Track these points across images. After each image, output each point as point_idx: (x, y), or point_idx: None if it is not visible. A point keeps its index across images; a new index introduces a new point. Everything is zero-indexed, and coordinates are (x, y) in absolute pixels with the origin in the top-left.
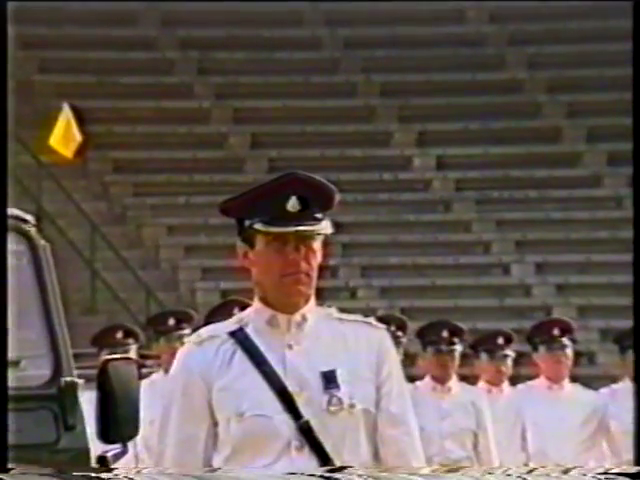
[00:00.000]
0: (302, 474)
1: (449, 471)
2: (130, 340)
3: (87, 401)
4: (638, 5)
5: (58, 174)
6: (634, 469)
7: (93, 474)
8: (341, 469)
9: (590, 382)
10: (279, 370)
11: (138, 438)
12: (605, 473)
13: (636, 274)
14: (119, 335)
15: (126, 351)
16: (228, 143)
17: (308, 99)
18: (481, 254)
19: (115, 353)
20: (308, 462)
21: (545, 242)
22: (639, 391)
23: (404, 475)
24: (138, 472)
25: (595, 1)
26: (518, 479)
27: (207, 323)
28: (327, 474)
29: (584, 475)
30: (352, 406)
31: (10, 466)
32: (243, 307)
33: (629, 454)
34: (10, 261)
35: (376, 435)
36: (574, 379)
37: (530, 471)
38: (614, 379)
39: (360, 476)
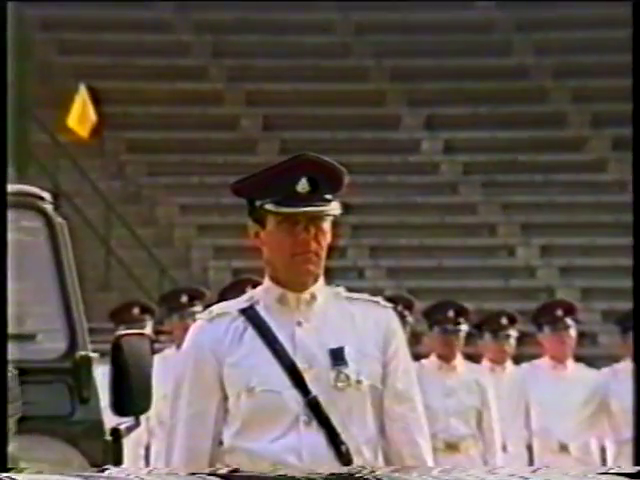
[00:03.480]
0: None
1: (448, 448)
2: (146, 316)
3: (101, 375)
4: (638, 5)
5: (75, 153)
6: (634, 469)
7: (96, 474)
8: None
9: (592, 362)
10: (288, 347)
11: (151, 412)
12: (605, 473)
13: (636, 257)
14: (136, 311)
15: (142, 327)
16: (241, 125)
17: (319, 82)
18: (487, 236)
19: (132, 329)
20: (316, 436)
21: (550, 225)
22: (639, 389)
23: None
24: (149, 472)
25: None
26: (520, 479)
27: (220, 301)
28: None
29: (584, 475)
30: (359, 382)
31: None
32: (255, 285)
33: (629, 432)
34: (27, 238)
35: (382, 411)
36: (577, 359)
37: (533, 471)
38: (616, 359)
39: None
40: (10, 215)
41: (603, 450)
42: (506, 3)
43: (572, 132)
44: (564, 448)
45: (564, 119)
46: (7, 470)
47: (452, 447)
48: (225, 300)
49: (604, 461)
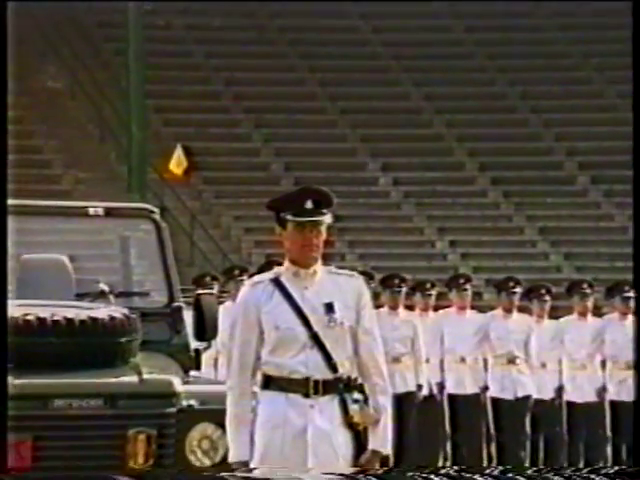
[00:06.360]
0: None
1: (394, 361)
2: (214, 282)
3: (188, 317)
4: (638, 4)
5: (173, 185)
6: (634, 469)
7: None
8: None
9: (480, 309)
10: (300, 302)
11: (217, 339)
12: (605, 473)
13: (636, 256)
14: (208, 279)
15: (212, 289)
16: (271, 168)
17: (318, 143)
18: (418, 235)
19: (205, 290)
20: (316, 356)
21: (455, 229)
22: (639, 388)
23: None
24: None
25: (591, 0)
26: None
27: (258, 273)
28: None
29: (582, 475)
30: (342, 324)
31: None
32: (280, 264)
33: (501, 349)
34: (145, 236)
35: (356, 340)
36: (472, 308)
37: (538, 470)
38: (493, 308)
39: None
40: (134, 222)
41: (485, 361)
42: (430, 96)
43: (468, 174)
44: (463, 360)
45: (463, 166)
46: (7, 471)
47: (396, 360)
48: (261, 273)
49: (485, 368)
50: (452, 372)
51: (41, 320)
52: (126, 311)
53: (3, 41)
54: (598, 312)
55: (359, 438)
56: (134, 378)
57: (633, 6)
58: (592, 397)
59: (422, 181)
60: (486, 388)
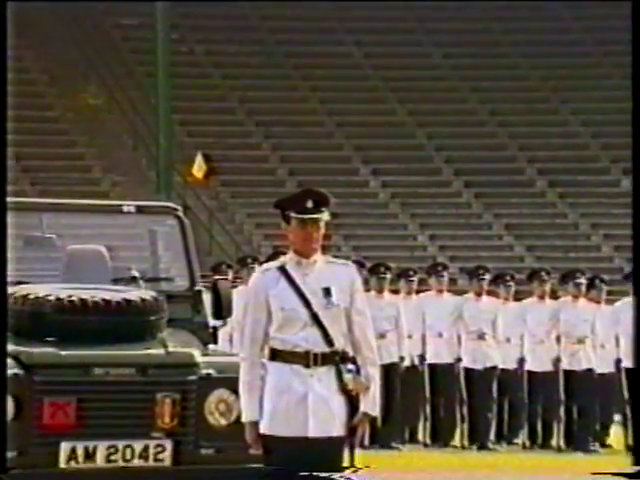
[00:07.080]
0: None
1: (380, 337)
2: (229, 270)
3: (207, 299)
4: (637, 4)
5: (194, 187)
6: (634, 469)
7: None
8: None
9: (455, 293)
10: (302, 287)
11: (232, 317)
12: (605, 473)
13: (636, 251)
14: (224, 267)
15: (227, 275)
16: (277, 173)
17: (318, 151)
18: (402, 230)
19: (222, 276)
20: (316, 332)
21: (434, 224)
22: (638, 388)
23: None
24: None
25: (591, 0)
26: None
27: (267, 262)
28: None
29: (582, 475)
30: (338, 305)
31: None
32: (284, 254)
33: (473, 327)
34: (170, 230)
35: (350, 320)
36: (448, 291)
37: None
38: (466, 292)
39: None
40: (161, 218)
41: (459, 337)
42: (415, 112)
43: (444, 178)
44: (441, 335)
45: (440, 172)
46: (7, 470)
47: (382, 336)
48: (269, 262)
49: (459, 342)
50: (431, 345)
51: (83, 301)
52: (154, 294)
53: (3, 41)
54: (554, 295)
55: (352, 402)
56: (161, 351)
57: (633, 6)
58: (549, 367)
59: (406, 184)
60: (460, 359)
